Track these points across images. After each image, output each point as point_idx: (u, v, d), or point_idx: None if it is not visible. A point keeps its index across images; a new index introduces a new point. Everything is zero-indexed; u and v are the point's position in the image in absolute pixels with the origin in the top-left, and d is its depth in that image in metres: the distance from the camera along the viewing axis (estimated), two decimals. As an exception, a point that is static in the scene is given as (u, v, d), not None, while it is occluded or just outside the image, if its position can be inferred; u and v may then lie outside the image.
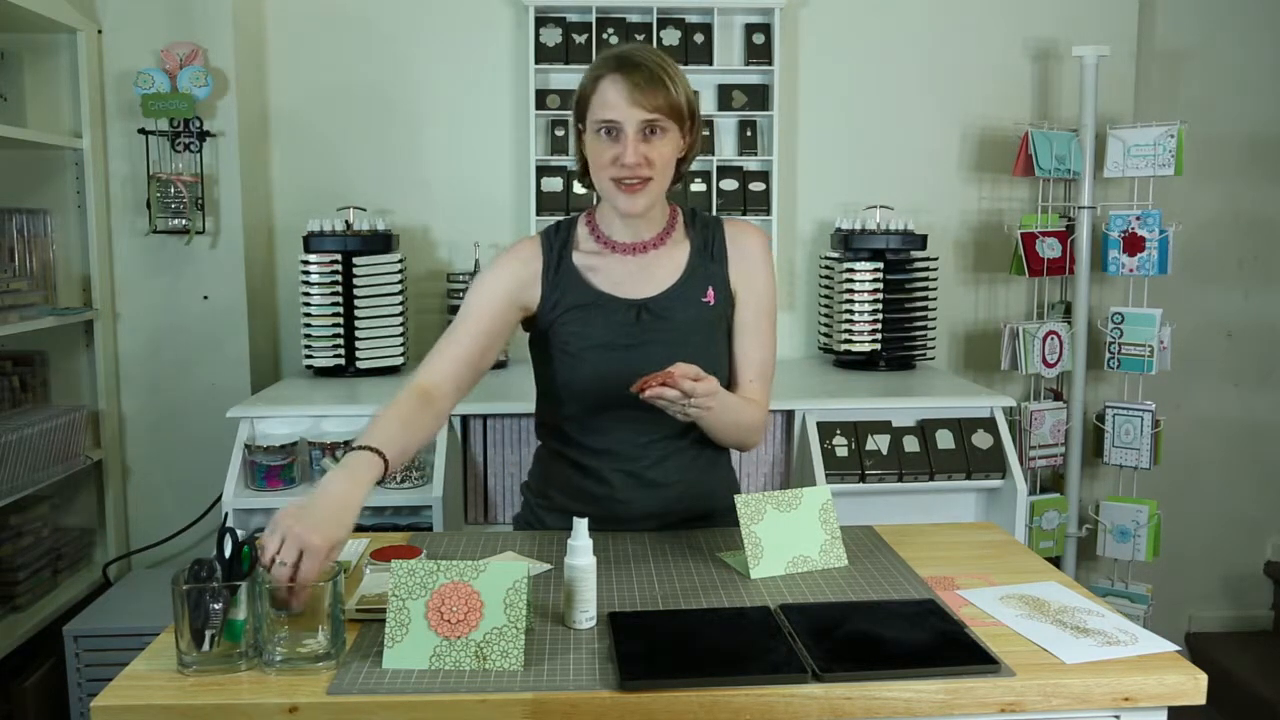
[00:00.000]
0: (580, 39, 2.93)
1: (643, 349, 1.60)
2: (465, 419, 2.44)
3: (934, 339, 2.93)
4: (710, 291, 1.63)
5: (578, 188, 2.95)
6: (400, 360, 2.77)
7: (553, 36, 2.93)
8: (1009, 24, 3.09)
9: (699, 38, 2.95)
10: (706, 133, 2.98)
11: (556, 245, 1.65)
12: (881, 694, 1.15)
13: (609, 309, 1.61)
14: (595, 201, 1.71)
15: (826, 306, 2.94)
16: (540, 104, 2.93)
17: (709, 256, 1.65)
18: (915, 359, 2.91)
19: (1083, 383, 3.01)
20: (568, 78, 2.97)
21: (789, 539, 1.49)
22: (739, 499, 1.49)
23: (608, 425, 1.63)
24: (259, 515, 2.34)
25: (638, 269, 1.63)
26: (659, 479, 1.65)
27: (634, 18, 2.97)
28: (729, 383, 1.67)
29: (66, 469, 2.52)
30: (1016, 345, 2.92)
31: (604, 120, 1.51)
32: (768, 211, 2.97)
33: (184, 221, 2.71)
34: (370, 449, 1.37)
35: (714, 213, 2.93)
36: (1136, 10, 3.11)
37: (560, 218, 2.88)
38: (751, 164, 3.01)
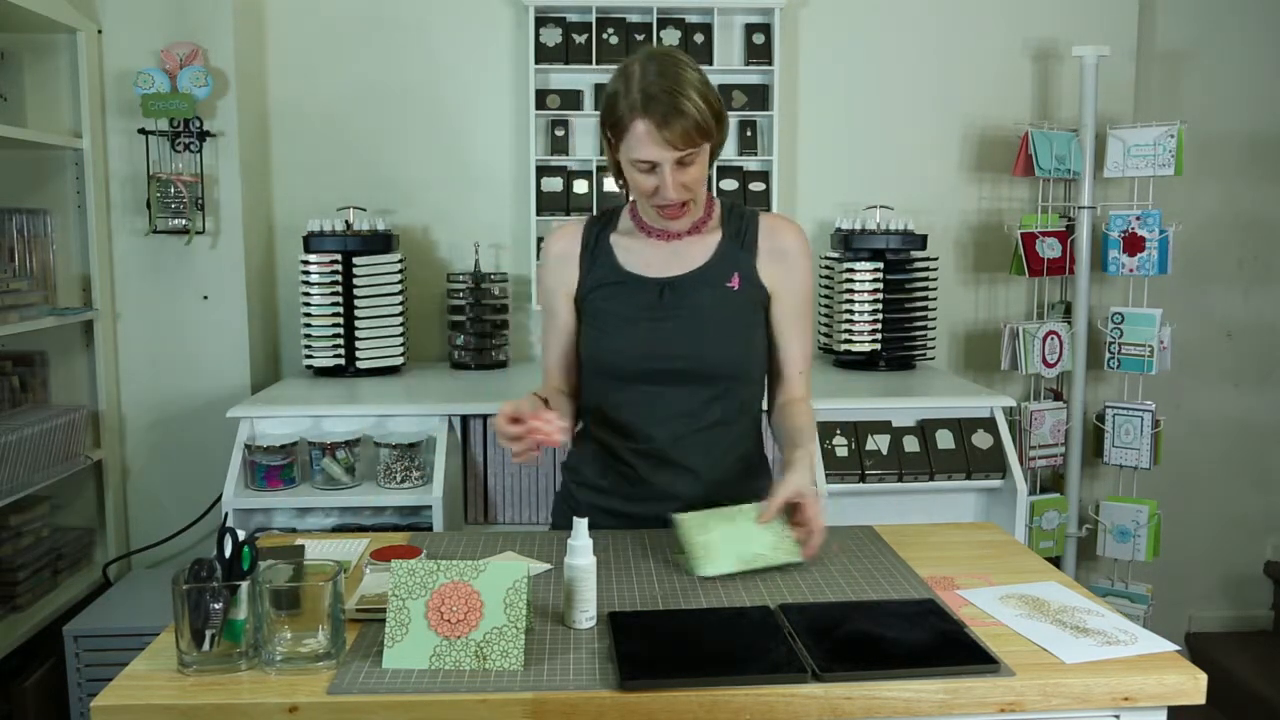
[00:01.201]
0: (580, 39, 2.93)
1: (664, 326, 1.64)
2: (465, 419, 2.44)
3: (934, 339, 2.93)
4: (736, 277, 1.67)
5: (578, 187, 2.95)
6: (400, 360, 2.77)
7: (553, 36, 2.93)
8: (1009, 24, 3.09)
9: (699, 38, 2.95)
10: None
11: (595, 229, 1.73)
12: (881, 694, 1.15)
13: (634, 286, 1.67)
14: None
15: (826, 306, 2.94)
16: (540, 104, 2.93)
17: (739, 245, 1.69)
18: (915, 359, 2.91)
19: (1083, 383, 3.01)
20: (568, 78, 2.97)
21: (738, 543, 1.48)
22: (678, 518, 1.50)
23: (628, 400, 1.67)
24: (259, 515, 2.34)
25: (669, 252, 1.69)
26: (676, 458, 1.67)
27: (634, 18, 2.97)
28: (773, 376, 1.75)
29: (66, 469, 2.52)
30: (1016, 345, 2.92)
31: (640, 160, 1.55)
32: (768, 211, 2.97)
33: (184, 221, 2.71)
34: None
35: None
36: (1136, 10, 3.11)
37: (561, 218, 2.90)
38: (751, 164, 3.01)
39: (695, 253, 1.69)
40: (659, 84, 1.51)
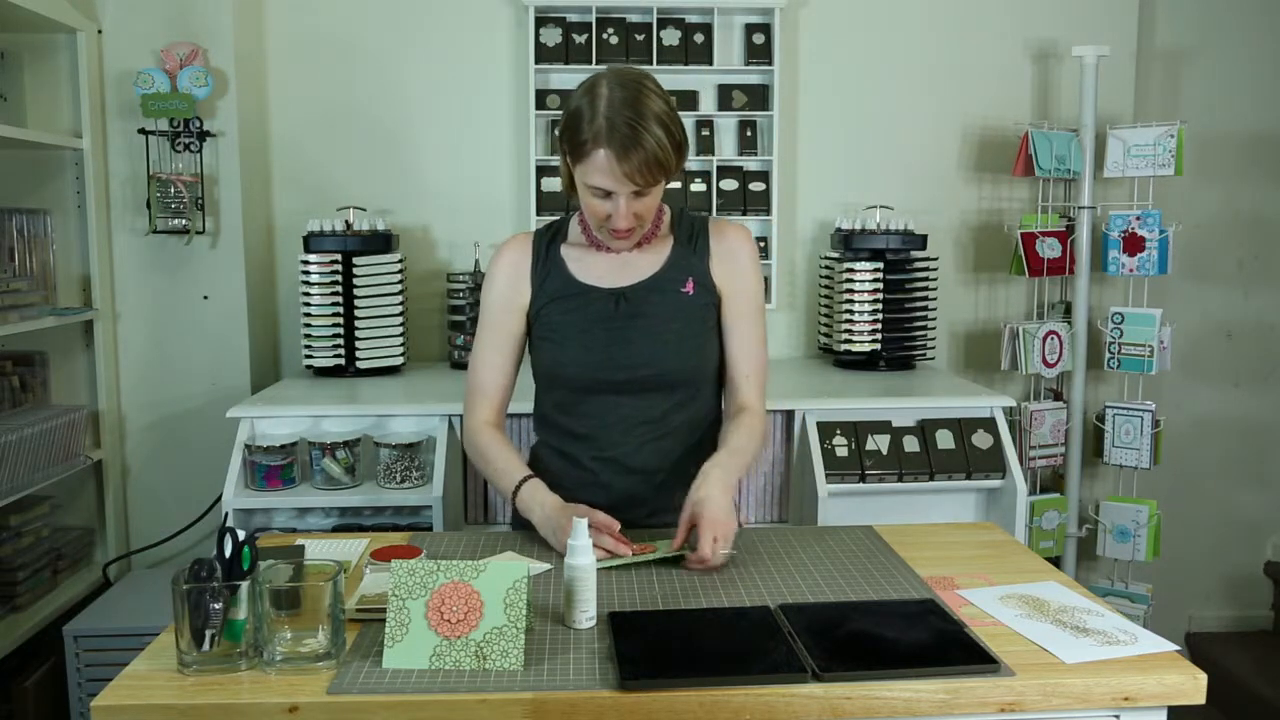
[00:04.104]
0: (580, 39, 2.93)
1: (622, 335, 1.64)
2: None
3: (934, 339, 2.93)
4: (690, 282, 1.68)
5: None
6: (400, 360, 2.77)
7: (553, 36, 2.93)
8: (1009, 24, 3.09)
9: (699, 38, 2.95)
10: (706, 132, 2.99)
11: (545, 240, 1.72)
12: (881, 694, 1.15)
13: (589, 298, 1.67)
14: None
15: (826, 306, 2.94)
16: (540, 104, 2.93)
17: (691, 250, 1.70)
18: (915, 359, 2.90)
19: (1083, 383, 3.01)
20: (568, 78, 2.97)
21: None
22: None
23: (588, 411, 1.67)
24: (259, 515, 2.34)
25: (621, 262, 1.69)
26: (639, 466, 1.68)
27: (634, 18, 2.96)
28: (725, 380, 1.74)
29: (66, 469, 2.52)
30: (1016, 345, 2.92)
31: (596, 186, 1.54)
32: (768, 211, 2.97)
33: (184, 221, 2.71)
34: (529, 476, 1.64)
35: (714, 213, 2.95)
36: (1136, 10, 3.11)
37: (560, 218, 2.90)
38: (751, 164, 3.01)
39: (647, 260, 1.68)
40: (623, 115, 1.49)
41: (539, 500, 1.60)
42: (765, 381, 1.73)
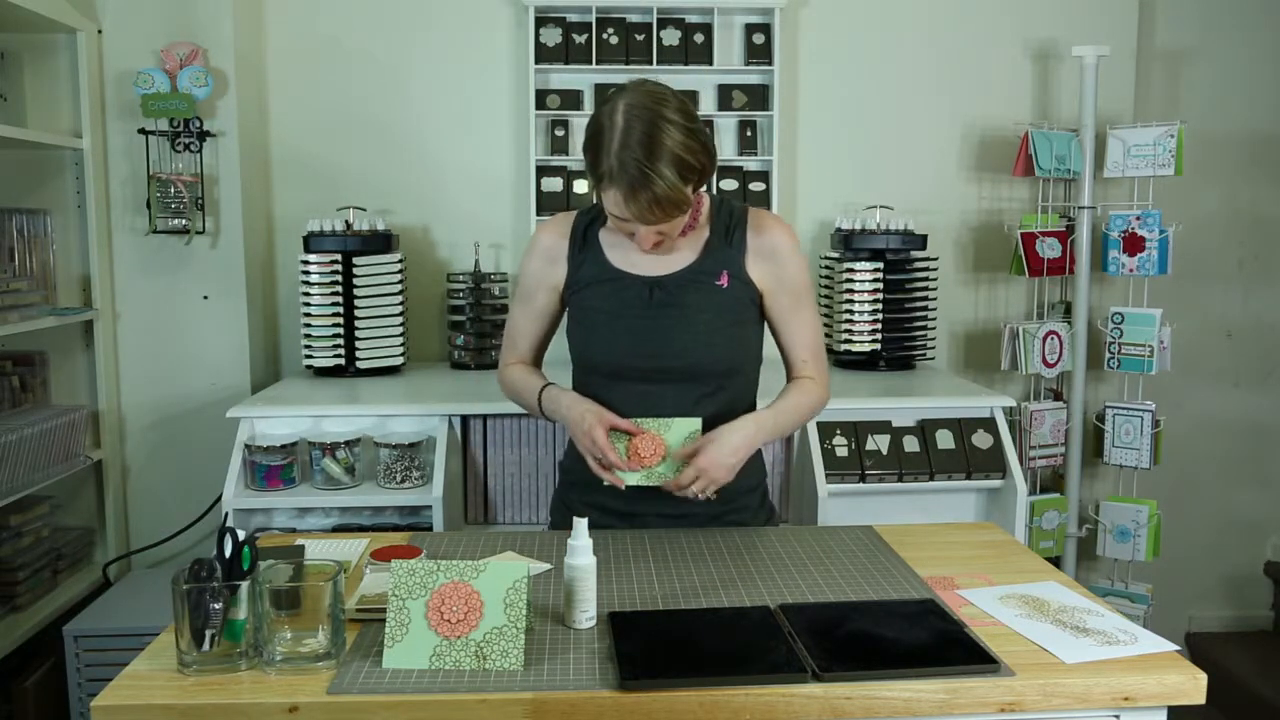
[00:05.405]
0: (580, 39, 2.93)
1: (653, 324, 1.65)
2: (465, 419, 2.44)
3: (934, 339, 2.93)
4: (724, 275, 1.68)
5: (578, 187, 2.95)
6: (400, 360, 2.77)
7: (553, 36, 2.93)
8: (1009, 24, 3.09)
9: (699, 38, 2.95)
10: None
11: (584, 223, 1.73)
12: (881, 694, 1.15)
13: (623, 284, 1.68)
14: None
15: (826, 306, 2.94)
16: (540, 104, 2.93)
17: (727, 243, 1.69)
18: (915, 359, 2.91)
19: (1083, 383, 3.01)
20: (568, 78, 2.97)
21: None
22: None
23: (619, 397, 1.67)
24: (259, 515, 2.34)
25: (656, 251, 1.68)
26: None
27: (634, 18, 2.96)
28: (784, 365, 1.78)
29: (66, 469, 2.52)
30: (1016, 345, 2.92)
31: (616, 216, 1.56)
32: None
33: (184, 221, 2.71)
34: (545, 385, 1.74)
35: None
36: (1136, 10, 3.11)
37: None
38: (751, 164, 3.01)
39: (684, 251, 1.69)
40: (634, 157, 1.48)
41: (556, 401, 1.69)
42: (823, 358, 1.77)
